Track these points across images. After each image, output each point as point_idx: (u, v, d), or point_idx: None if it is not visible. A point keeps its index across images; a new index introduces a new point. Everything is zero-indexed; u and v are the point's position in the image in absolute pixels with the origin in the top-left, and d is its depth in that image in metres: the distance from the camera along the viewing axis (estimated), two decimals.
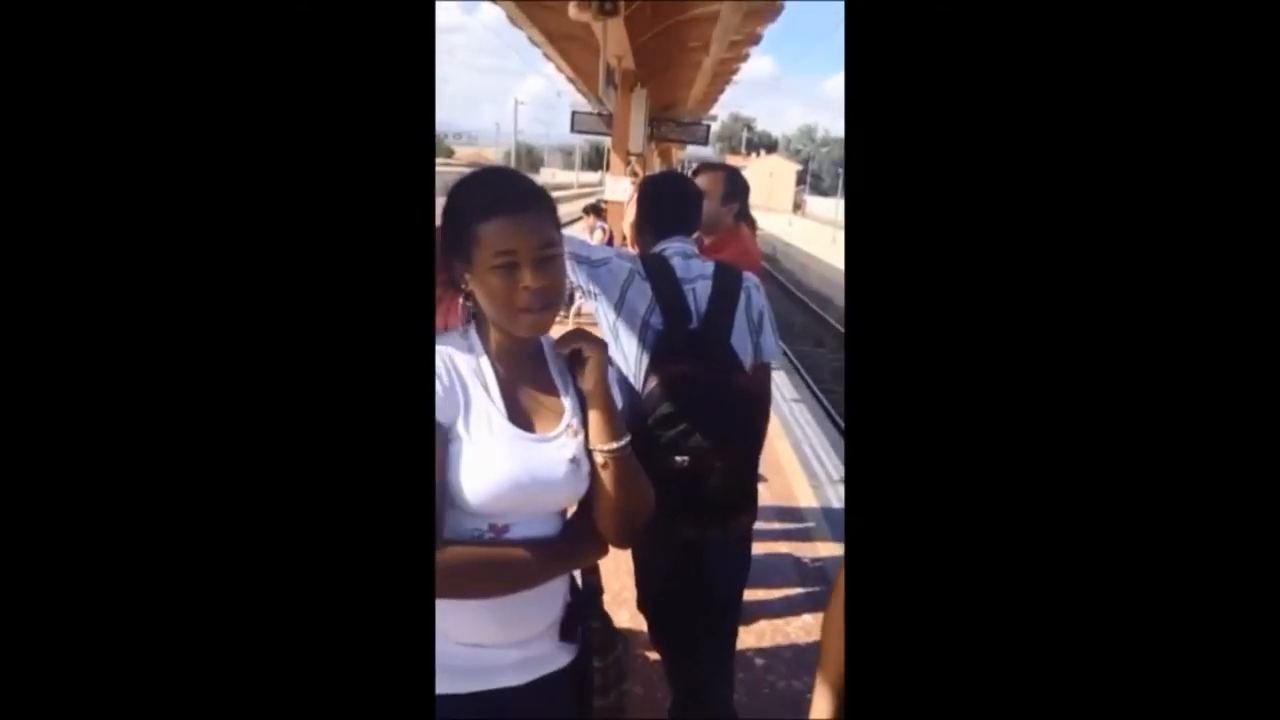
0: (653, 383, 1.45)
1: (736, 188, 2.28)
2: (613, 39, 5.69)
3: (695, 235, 1.68)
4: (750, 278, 1.61)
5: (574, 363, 1.01)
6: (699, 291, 1.53)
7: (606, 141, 8.58)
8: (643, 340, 1.51)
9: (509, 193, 0.94)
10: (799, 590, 2.95)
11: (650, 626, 1.70)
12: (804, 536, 3.38)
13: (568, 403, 1.03)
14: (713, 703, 1.73)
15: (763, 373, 1.59)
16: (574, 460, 0.98)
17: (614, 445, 0.99)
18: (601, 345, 1.01)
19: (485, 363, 0.97)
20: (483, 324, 0.99)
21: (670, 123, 10.40)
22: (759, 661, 2.45)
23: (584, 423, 1.02)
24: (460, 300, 0.99)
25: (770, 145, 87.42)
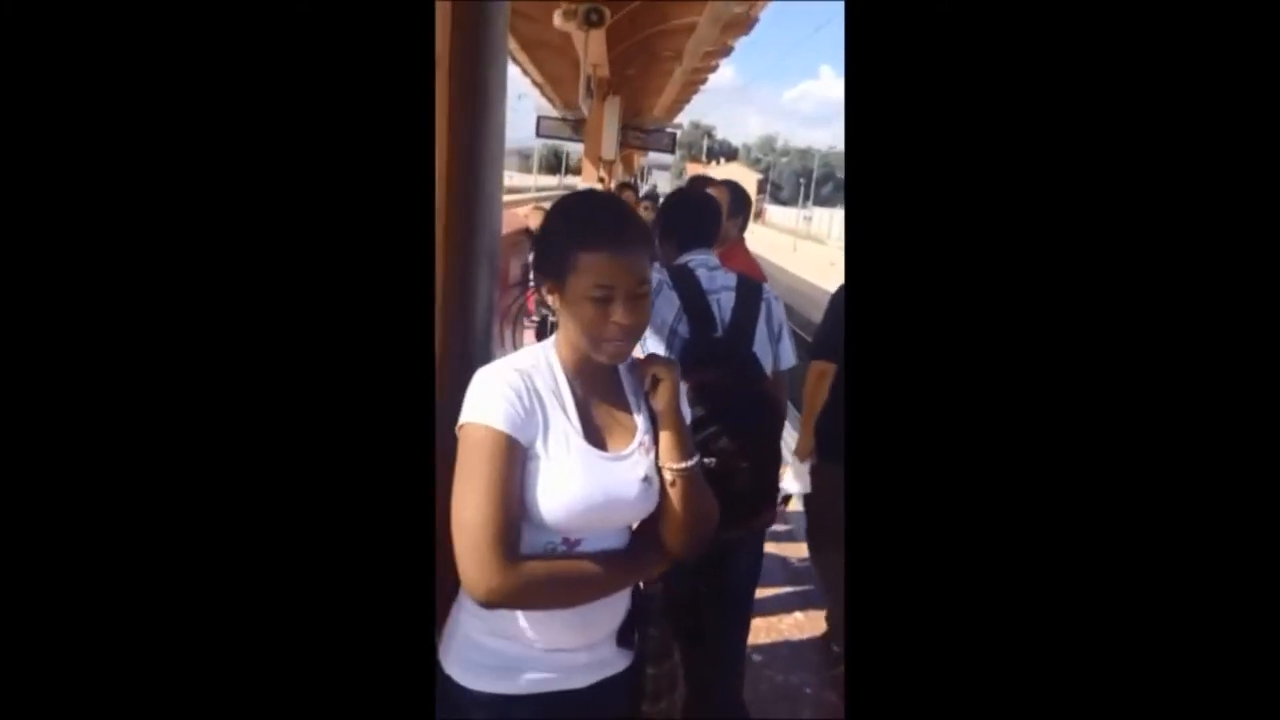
0: (682, 388, 1.53)
1: (740, 202, 2.37)
2: (592, 48, 5.77)
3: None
4: (769, 290, 1.70)
5: (648, 383, 1.04)
6: (723, 302, 1.61)
7: (567, 146, 8.61)
8: (670, 347, 1.58)
9: (616, 225, 0.96)
10: (789, 589, 3.05)
11: (668, 623, 1.77)
12: (790, 538, 3.48)
13: (640, 421, 1.05)
14: (726, 697, 1.80)
15: (781, 379, 1.68)
16: (646, 478, 1.01)
17: (685, 465, 1.02)
18: (674, 367, 1.04)
19: (563, 383, 1.00)
20: (560, 341, 1.02)
21: (636, 130, 10.50)
22: (757, 658, 2.53)
23: (655, 440, 1.04)
24: (531, 298, 1.04)
25: (730, 153, 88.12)
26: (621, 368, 1.07)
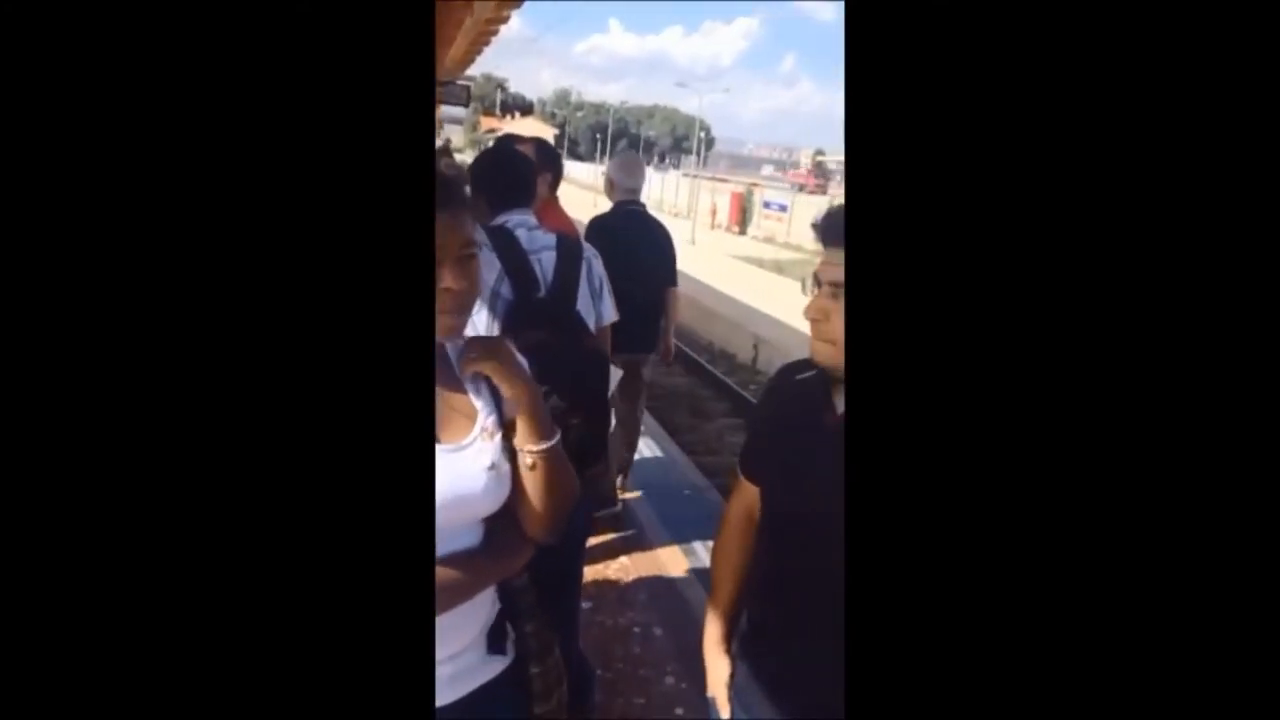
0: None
1: (549, 159, 2.37)
2: None
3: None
4: (589, 247, 1.73)
5: (468, 369, 0.96)
6: (544, 261, 1.63)
7: None
8: (493, 309, 1.58)
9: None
10: (613, 535, 3.17)
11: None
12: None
13: (479, 404, 0.97)
14: (566, 645, 1.87)
15: (605, 335, 1.73)
16: (492, 466, 0.93)
17: (546, 445, 0.95)
18: (502, 345, 0.96)
19: None
20: None
21: None
22: (586, 604, 2.63)
23: (500, 422, 0.97)
24: None
25: (525, 108, 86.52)
26: (450, 348, 0.98)
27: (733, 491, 1.26)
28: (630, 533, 3.23)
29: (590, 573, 2.83)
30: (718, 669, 1.23)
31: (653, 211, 3.22)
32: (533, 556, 1.68)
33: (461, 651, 0.99)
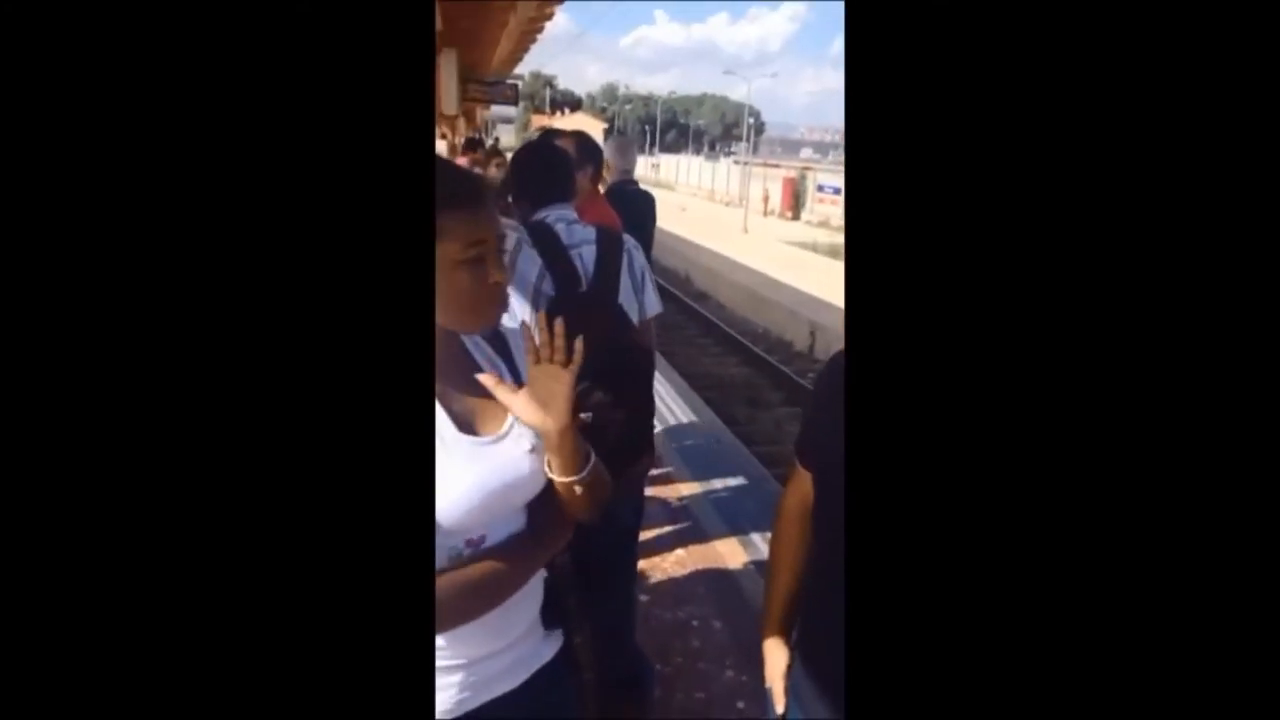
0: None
1: (588, 152, 2.36)
2: None
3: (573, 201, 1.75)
4: (629, 239, 1.71)
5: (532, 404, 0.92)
6: (585, 256, 1.62)
7: None
8: (536, 306, 1.57)
9: (469, 181, 0.89)
10: (669, 529, 3.16)
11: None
12: (665, 480, 3.59)
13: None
14: (622, 642, 1.86)
15: (648, 327, 1.71)
16: (532, 449, 0.94)
17: (572, 478, 0.93)
18: (567, 379, 0.89)
19: None
20: None
21: (477, 83, 10.16)
22: (644, 597, 2.62)
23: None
24: None
25: (574, 103, 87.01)
26: (468, 343, 0.98)
27: (789, 480, 1.23)
28: (687, 525, 3.20)
29: (646, 566, 2.82)
30: (775, 660, 1.20)
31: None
32: (586, 552, 1.69)
33: (519, 639, 1.00)
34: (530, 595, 1.00)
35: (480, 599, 0.91)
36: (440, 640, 0.91)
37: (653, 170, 44.54)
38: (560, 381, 0.89)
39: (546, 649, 1.05)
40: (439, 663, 0.93)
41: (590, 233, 1.65)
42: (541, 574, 1.04)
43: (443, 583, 0.86)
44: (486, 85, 10.37)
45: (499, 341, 1.02)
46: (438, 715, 0.93)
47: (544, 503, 0.98)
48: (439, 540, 0.88)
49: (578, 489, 0.94)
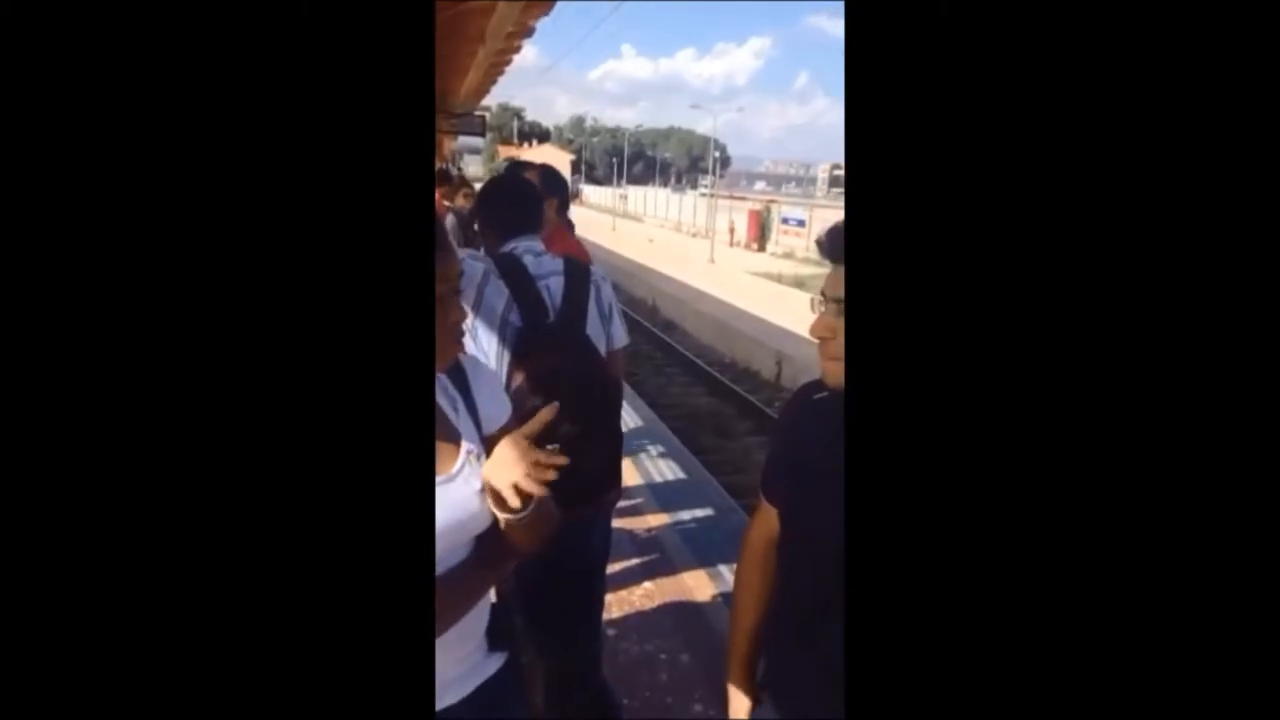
0: (519, 378, 1.52)
1: (555, 184, 2.37)
2: None
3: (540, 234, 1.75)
4: (597, 270, 1.72)
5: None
6: (552, 287, 1.62)
7: None
8: (503, 337, 1.57)
9: None
10: (637, 560, 3.13)
11: (520, 610, 1.77)
12: (634, 512, 3.57)
13: (462, 427, 0.98)
14: (589, 674, 1.83)
15: (616, 358, 1.71)
16: (482, 489, 0.94)
17: (522, 514, 0.93)
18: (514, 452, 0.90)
19: None
20: None
21: (445, 114, 10.18)
22: (611, 631, 2.59)
23: (483, 445, 0.98)
24: None
25: (542, 135, 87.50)
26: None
27: (753, 513, 1.22)
28: (654, 557, 3.18)
29: (614, 599, 2.79)
30: (739, 701, 1.19)
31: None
32: (552, 585, 1.66)
33: (466, 653, 1.03)
34: (477, 614, 1.03)
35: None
36: None
37: (620, 200, 44.89)
38: (514, 447, 0.91)
39: (490, 664, 1.08)
40: None
41: (558, 264, 1.65)
42: (490, 595, 1.07)
43: None
44: (455, 117, 10.39)
45: (458, 375, 1.03)
46: None
47: (490, 533, 0.99)
48: None
49: (519, 525, 0.95)
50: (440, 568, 0.94)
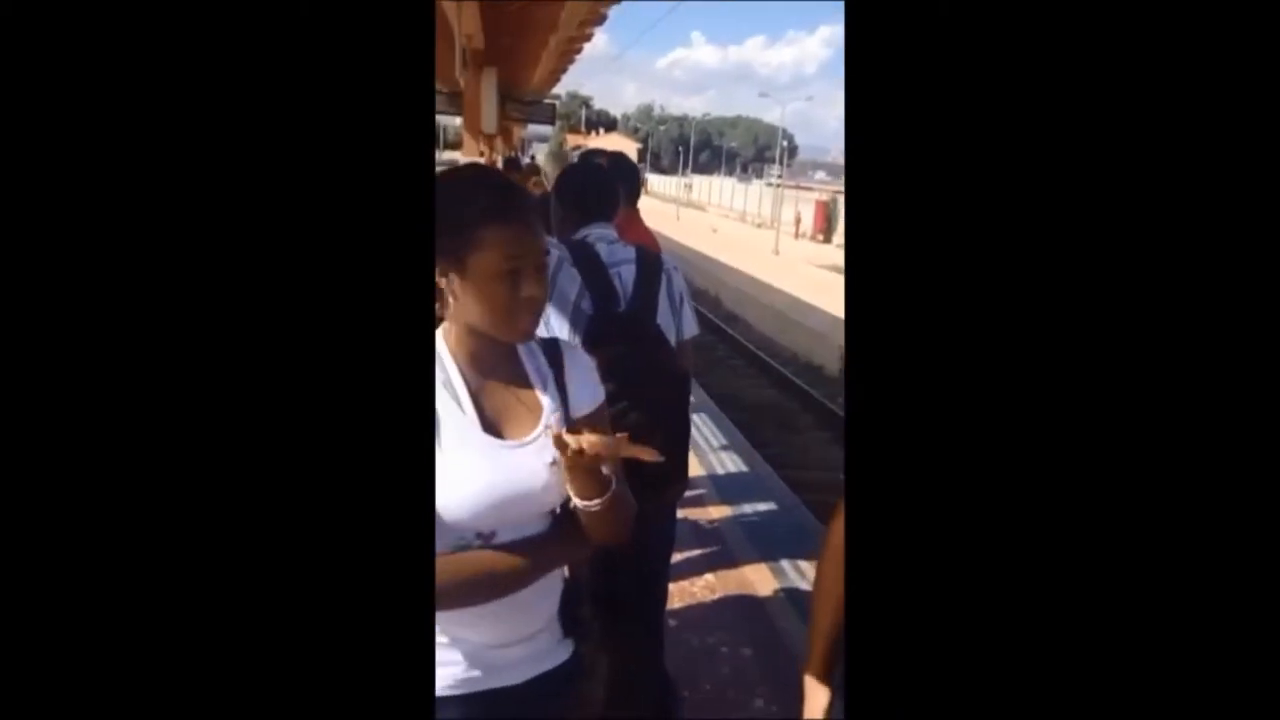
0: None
1: (626, 172, 2.36)
2: (465, 19, 5.58)
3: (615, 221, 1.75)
4: (669, 260, 1.70)
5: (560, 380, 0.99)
6: (624, 275, 1.61)
7: (442, 120, 8.31)
8: (574, 324, 1.57)
9: (516, 196, 0.92)
10: (699, 552, 3.12)
11: (587, 599, 1.77)
12: (698, 503, 3.55)
13: (546, 401, 0.98)
14: (649, 666, 1.83)
15: (686, 349, 1.70)
16: (554, 461, 0.93)
17: (595, 501, 0.93)
18: (606, 443, 0.88)
19: (454, 374, 0.94)
20: (450, 331, 0.95)
21: (516, 102, 10.29)
22: (672, 622, 2.58)
23: (565, 420, 0.98)
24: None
25: (609, 123, 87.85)
26: (521, 348, 1.01)
27: (834, 514, 1.20)
28: (716, 549, 3.16)
29: (675, 590, 2.78)
30: (815, 699, 1.17)
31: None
32: (615, 578, 1.66)
33: (532, 635, 1.02)
34: (546, 597, 1.02)
35: (478, 587, 0.93)
36: (447, 619, 0.93)
37: (685, 190, 44.66)
38: (605, 445, 0.89)
39: (560, 652, 1.07)
40: (446, 641, 0.96)
41: (630, 252, 1.65)
42: (560, 580, 1.06)
43: (444, 562, 0.89)
44: (524, 104, 10.49)
45: (554, 353, 1.04)
46: (437, 693, 0.95)
47: (567, 514, 1.00)
48: (449, 533, 0.91)
49: (594, 512, 0.95)
50: (504, 535, 0.95)
